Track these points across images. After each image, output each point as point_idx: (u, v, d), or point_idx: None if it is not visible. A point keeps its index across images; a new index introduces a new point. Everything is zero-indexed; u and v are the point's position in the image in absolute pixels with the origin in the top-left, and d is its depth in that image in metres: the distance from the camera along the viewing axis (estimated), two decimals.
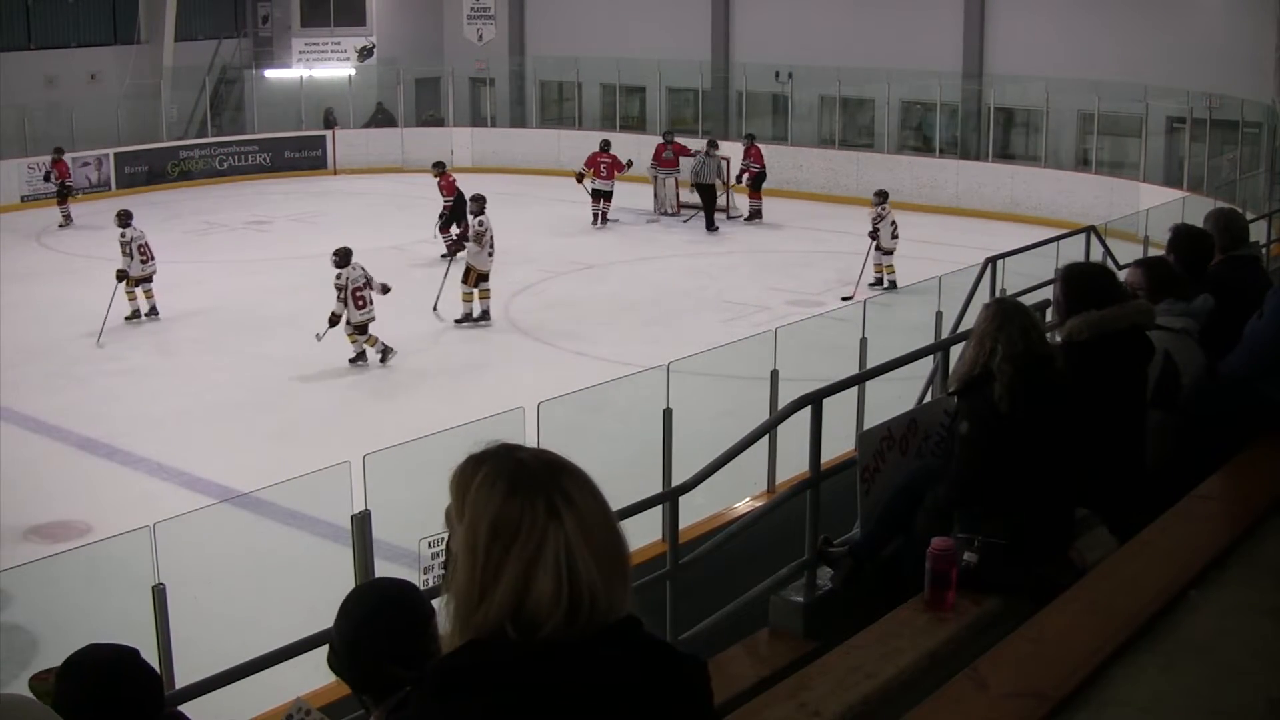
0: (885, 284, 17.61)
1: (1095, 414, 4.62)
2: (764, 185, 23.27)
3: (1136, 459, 4.82)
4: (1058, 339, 4.89)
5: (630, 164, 22.79)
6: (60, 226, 22.45)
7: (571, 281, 18.46)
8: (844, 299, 16.72)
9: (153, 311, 16.47)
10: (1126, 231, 15.79)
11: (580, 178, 22.82)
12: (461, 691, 1.67)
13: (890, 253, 17.75)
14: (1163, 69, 21.63)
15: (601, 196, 22.76)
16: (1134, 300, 4.94)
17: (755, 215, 23.01)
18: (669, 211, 23.47)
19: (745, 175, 23.26)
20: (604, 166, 22.78)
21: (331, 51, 29.58)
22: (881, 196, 17.93)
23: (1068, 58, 23.02)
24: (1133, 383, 4.83)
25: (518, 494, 1.71)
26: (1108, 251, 12.30)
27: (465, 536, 1.73)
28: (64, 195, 22.99)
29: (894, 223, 17.83)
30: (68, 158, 23.63)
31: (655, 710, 1.73)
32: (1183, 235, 5.98)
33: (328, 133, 28.65)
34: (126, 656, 3.10)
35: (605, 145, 23.14)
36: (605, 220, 22.82)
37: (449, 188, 20.17)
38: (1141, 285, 5.20)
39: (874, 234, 17.71)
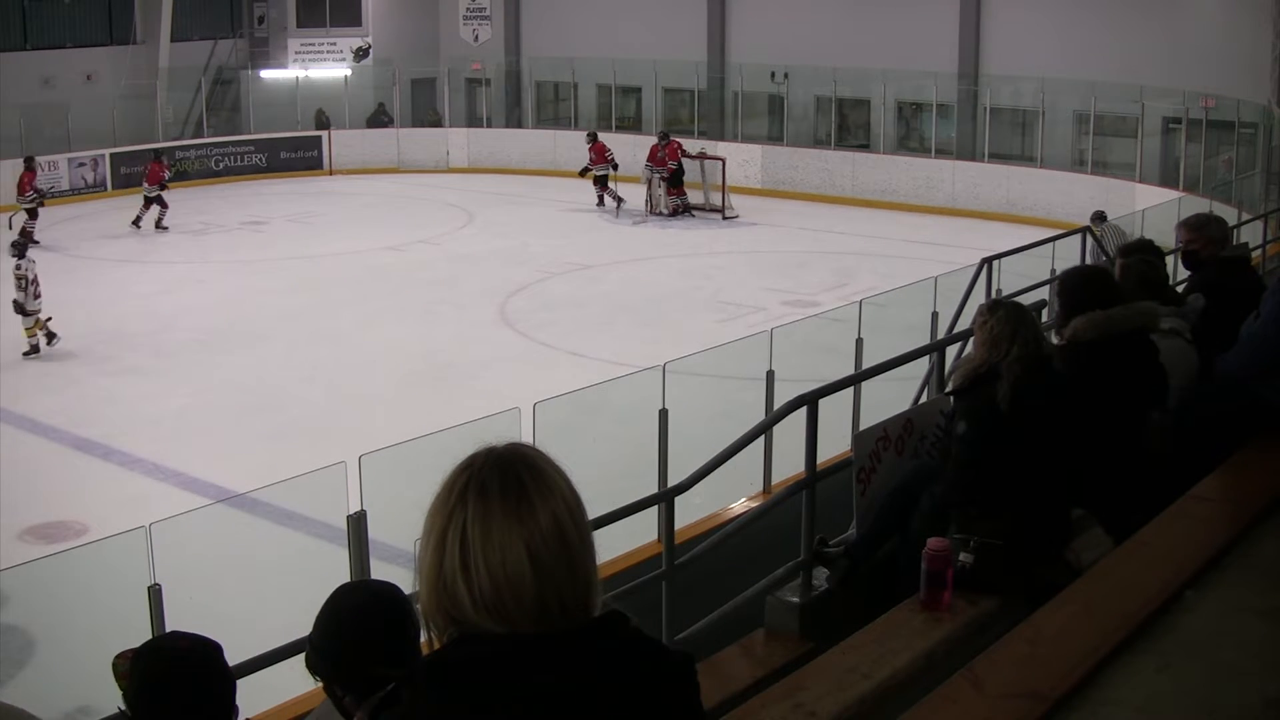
0: (30, 347, 14.78)
1: (1093, 414, 4.62)
2: (684, 180, 23.77)
3: (1134, 460, 4.82)
4: (1054, 340, 4.89)
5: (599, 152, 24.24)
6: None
7: (568, 282, 18.45)
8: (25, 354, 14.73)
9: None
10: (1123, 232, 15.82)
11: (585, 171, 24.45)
12: (449, 685, 1.69)
13: (32, 314, 14.83)
14: (1159, 69, 21.66)
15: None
16: (1138, 302, 4.94)
17: (683, 211, 23.42)
18: (663, 212, 23.53)
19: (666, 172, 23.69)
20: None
21: (327, 52, 29.55)
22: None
23: (1063, 58, 23.04)
24: (1133, 384, 4.84)
25: (450, 478, 1.75)
26: (1104, 252, 12.33)
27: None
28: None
29: (35, 280, 14.87)
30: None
31: (642, 704, 1.74)
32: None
33: (323, 133, 28.64)
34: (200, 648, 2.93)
35: (592, 137, 24.76)
36: (603, 203, 24.01)
37: None
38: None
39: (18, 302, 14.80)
